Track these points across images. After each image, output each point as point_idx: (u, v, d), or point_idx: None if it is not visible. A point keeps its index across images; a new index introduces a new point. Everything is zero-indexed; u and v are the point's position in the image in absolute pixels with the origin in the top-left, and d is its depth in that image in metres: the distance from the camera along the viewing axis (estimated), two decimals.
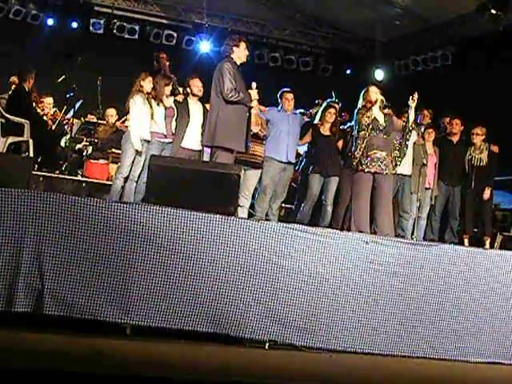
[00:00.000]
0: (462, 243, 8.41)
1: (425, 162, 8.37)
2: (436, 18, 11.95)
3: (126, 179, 7.66)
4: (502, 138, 9.07)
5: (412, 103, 7.20)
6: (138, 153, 7.61)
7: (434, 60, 12.35)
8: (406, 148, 7.44)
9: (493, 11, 10.73)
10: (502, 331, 6.27)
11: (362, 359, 5.79)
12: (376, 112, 7.09)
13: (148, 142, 7.71)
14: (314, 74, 13.59)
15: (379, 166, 6.99)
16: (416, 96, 7.17)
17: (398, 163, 7.35)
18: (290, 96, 8.31)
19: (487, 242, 8.59)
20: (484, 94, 10.55)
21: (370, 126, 7.03)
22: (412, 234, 8.47)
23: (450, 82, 11.45)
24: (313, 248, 5.84)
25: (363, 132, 7.05)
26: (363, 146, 7.02)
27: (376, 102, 7.07)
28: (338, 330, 5.84)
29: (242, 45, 7.09)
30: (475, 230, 8.91)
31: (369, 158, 6.99)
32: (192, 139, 7.84)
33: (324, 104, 8.54)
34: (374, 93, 7.14)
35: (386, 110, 7.21)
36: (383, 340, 5.94)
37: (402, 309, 6.03)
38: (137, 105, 7.65)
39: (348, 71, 13.87)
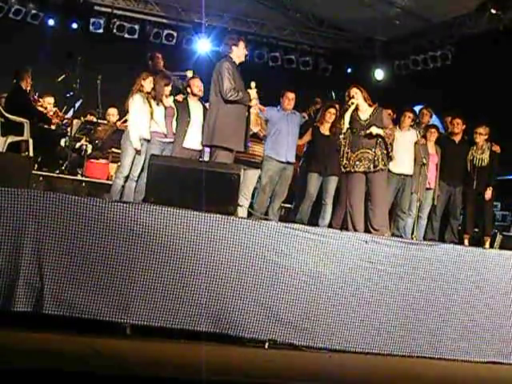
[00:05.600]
0: (462, 243, 8.40)
1: (424, 162, 8.36)
2: (436, 18, 11.95)
3: (127, 178, 7.68)
4: (503, 138, 9.07)
5: None
6: (137, 152, 7.62)
7: (433, 60, 12.35)
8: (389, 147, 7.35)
9: (493, 11, 10.74)
10: (503, 330, 6.28)
11: (362, 359, 5.79)
12: (361, 110, 7.08)
13: (148, 141, 7.72)
14: (314, 73, 13.59)
15: (367, 164, 6.99)
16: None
17: (391, 156, 7.27)
18: (291, 95, 8.31)
19: (487, 242, 8.58)
20: (484, 94, 10.54)
21: (349, 131, 7.03)
22: (412, 233, 8.47)
23: (450, 82, 11.45)
24: (313, 248, 5.84)
25: (341, 140, 7.07)
26: (345, 150, 7.03)
27: (350, 105, 7.04)
28: (338, 329, 5.84)
29: (241, 44, 7.09)
30: (476, 230, 8.89)
31: (356, 158, 7.00)
32: (193, 139, 7.83)
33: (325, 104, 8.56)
34: (352, 94, 7.10)
35: (376, 105, 7.20)
36: (383, 340, 5.95)
37: (403, 308, 6.03)
38: (136, 104, 7.66)
39: (348, 71, 13.87)
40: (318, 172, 8.24)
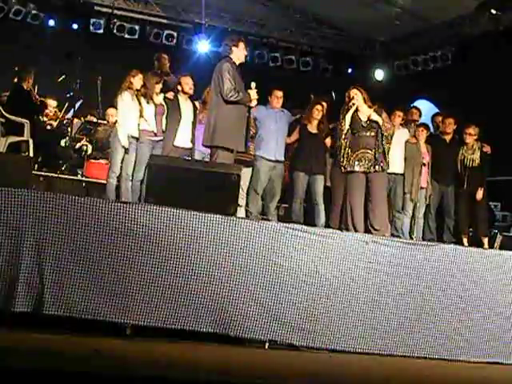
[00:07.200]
0: (460, 243, 8.39)
1: (424, 162, 8.35)
2: (436, 18, 11.94)
3: (119, 177, 7.63)
4: (503, 138, 9.06)
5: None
6: (126, 150, 7.56)
7: (433, 60, 12.33)
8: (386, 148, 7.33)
9: (493, 11, 10.73)
10: (503, 330, 6.29)
11: (362, 359, 5.79)
12: (361, 111, 7.08)
13: (137, 139, 7.65)
14: (314, 74, 13.58)
15: (367, 164, 6.99)
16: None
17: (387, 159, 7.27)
18: (279, 94, 8.30)
19: (485, 242, 8.56)
20: (484, 94, 10.54)
21: (349, 132, 7.04)
22: (412, 233, 8.47)
23: (450, 82, 11.44)
24: (313, 248, 5.84)
25: (341, 140, 7.07)
26: (345, 151, 7.03)
27: (351, 106, 7.04)
28: (337, 329, 5.85)
29: (241, 45, 7.08)
30: (470, 229, 8.86)
31: (356, 158, 7.00)
32: (184, 137, 7.82)
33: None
34: (352, 95, 7.11)
35: (375, 107, 7.19)
36: (383, 340, 5.95)
37: (402, 309, 6.04)
38: (124, 101, 7.58)
39: (348, 71, 13.86)
40: (303, 171, 8.21)
